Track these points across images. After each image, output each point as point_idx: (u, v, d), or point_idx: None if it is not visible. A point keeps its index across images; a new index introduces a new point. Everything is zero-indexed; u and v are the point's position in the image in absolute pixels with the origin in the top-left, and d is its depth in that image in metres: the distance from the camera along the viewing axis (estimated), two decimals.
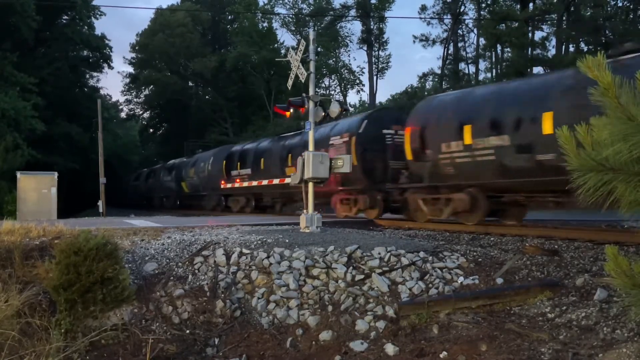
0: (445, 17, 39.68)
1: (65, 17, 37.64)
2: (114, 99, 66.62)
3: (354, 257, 6.64)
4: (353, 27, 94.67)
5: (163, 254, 6.91)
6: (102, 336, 5.10)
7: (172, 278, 6.22)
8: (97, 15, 39.27)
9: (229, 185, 20.78)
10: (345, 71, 46.26)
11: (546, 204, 10.05)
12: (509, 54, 33.52)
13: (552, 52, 31.61)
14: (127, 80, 54.92)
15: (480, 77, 38.67)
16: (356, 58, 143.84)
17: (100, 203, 23.95)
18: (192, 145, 41.27)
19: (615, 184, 2.35)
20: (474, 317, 5.34)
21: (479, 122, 9.69)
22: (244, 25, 44.33)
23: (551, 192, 9.22)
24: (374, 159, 13.08)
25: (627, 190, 2.34)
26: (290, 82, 9.89)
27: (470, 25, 40.01)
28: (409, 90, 40.83)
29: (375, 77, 42.27)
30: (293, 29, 44.45)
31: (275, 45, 44.65)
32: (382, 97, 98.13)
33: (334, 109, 9.59)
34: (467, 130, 9.82)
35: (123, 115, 61.86)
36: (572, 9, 30.15)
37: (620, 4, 31.70)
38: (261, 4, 45.38)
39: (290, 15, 44.02)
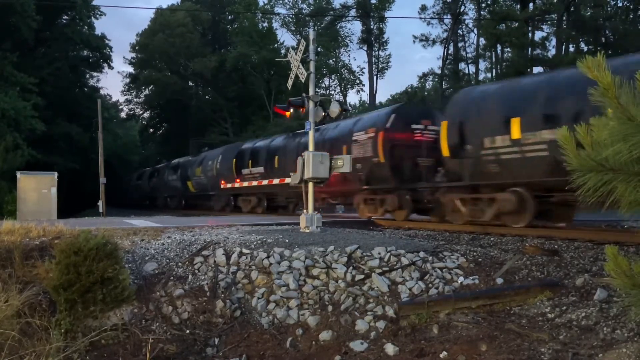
0: (445, 17, 39.75)
1: (65, 17, 37.66)
2: (114, 99, 66.79)
3: (354, 257, 6.64)
4: (353, 27, 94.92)
5: (163, 254, 6.91)
6: (102, 336, 5.10)
7: (172, 278, 6.22)
8: (97, 15, 39.35)
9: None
10: (345, 71, 46.36)
11: (601, 204, 9.16)
12: (509, 54, 33.54)
13: (552, 52, 31.66)
14: (127, 80, 54.97)
15: (480, 77, 38.73)
16: (356, 58, 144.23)
17: (100, 203, 23.94)
18: (197, 143, 40.90)
19: (615, 184, 2.35)
20: (474, 317, 5.34)
21: (530, 115, 8.77)
22: (244, 25, 44.36)
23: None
24: (403, 156, 12.22)
25: (627, 190, 2.34)
26: (290, 82, 9.89)
27: (470, 25, 40.08)
28: (409, 90, 40.90)
29: (375, 77, 42.38)
30: (293, 29, 44.55)
31: (275, 45, 44.69)
32: (382, 97, 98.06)
33: (334, 109, 9.58)
34: (515, 123, 8.91)
35: (123, 115, 61.94)
36: (572, 9, 30.16)
37: (620, 4, 31.75)
38: (261, 4, 45.51)
39: (290, 15, 44.11)
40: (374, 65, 42.35)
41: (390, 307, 5.65)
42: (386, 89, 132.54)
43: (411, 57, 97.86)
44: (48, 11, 31.96)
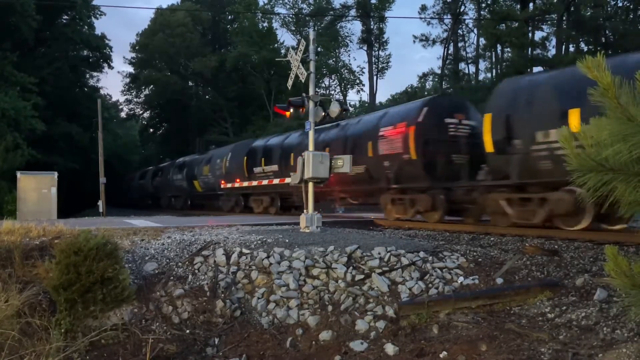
0: (445, 17, 39.78)
1: (65, 16, 37.70)
2: (114, 99, 66.82)
3: (354, 257, 6.64)
4: (353, 27, 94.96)
5: (163, 254, 6.92)
6: (102, 336, 5.11)
7: (172, 278, 6.22)
8: (97, 15, 39.43)
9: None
10: (345, 71, 46.36)
11: None
12: (509, 54, 33.56)
13: (552, 52, 31.68)
14: (127, 80, 55.03)
15: (480, 77, 38.77)
16: (356, 58, 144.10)
17: (100, 203, 23.94)
18: (204, 141, 40.43)
19: (615, 184, 2.35)
20: (474, 317, 5.34)
21: (592, 105, 8.11)
22: (244, 25, 44.38)
23: None
24: (436, 152, 11.25)
25: (627, 191, 2.34)
26: (290, 82, 9.89)
27: (470, 25, 40.12)
28: (409, 90, 40.92)
29: (375, 77, 42.43)
30: (293, 29, 44.56)
31: (275, 45, 44.69)
32: (382, 97, 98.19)
33: (334, 108, 9.59)
34: (574, 115, 7.95)
35: (123, 115, 61.97)
36: (572, 9, 30.17)
37: (620, 4, 31.76)
38: (261, 4, 45.53)
39: (290, 15, 44.12)
40: (374, 65, 42.41)
41: (390, 307, 5.65)
42: (386, 89, 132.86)
43: (411, 57, 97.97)
44: (48, 11, 31.99)
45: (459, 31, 40.53)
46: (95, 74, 47.17)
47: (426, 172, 11.20)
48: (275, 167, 17.63)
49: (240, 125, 43.49)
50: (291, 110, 9.74)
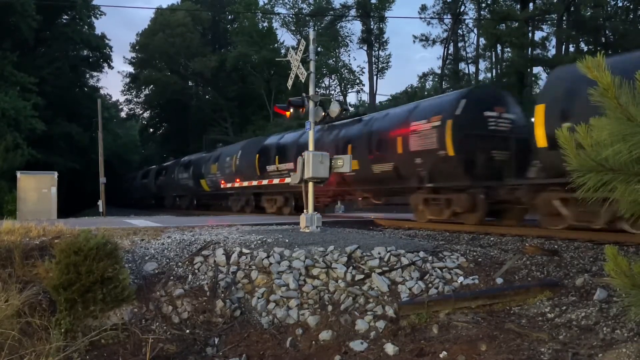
0: (445, 17, 39.79)
1: (66, 16, 37.73)
2: (114, 99, 66.91)
3: (354, 257, 6.64)
4: (353, 27, 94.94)
5: (163, 254, 6.92)
6: (102, 336, 5.11)
7: (172, 278, 6.22)
8: (97, 15, 39.49)
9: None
10: (345, 71, 46.37)
11: None
12: (509, 54, 33.54)
13: (552, 52, 31.67)
14: (127, 80, 55.09)
15: (480, 77, 38.74)
16: (356, 58, 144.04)
17: (100, 203, 23.94)
18: (210, 139, 39.94)
19: (615, 184, 2.35)
20: (474, 317, 5.34)
21: None
22: (244, 25, 44.42)
23: None
24: (476, 148, 10.39)
25: (627, 191, 2.34)
26: (290, 82, 9.90)
27: (470, 25, 40.11)
28: (409, 90, 40.96)
29: (375, 77, 42.42)
30: (293, 29, 44.58)
31: (275, 45, 44.74)
32: (382, 97, 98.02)
33: (334, 108, 9.60)
34: None
35: (123, 115, 62.05)
36: (572, 9, 30.15)
37: (620, 4, 31.76)
38: (261, 3, 45.55)
39: (290, 15, 44.12)
40: (374, 65, 42.39)
41: (390, 307, 5.65)
42: (386, 89, 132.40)
43: (411, 57, 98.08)
44: (48, 11, 32.00)
45: (459, 31, 40.57)
46: (95, 73, 47.36)
47: (465, 169, 10.40)
48: (290, 165, 16.52)
49: (241, 125, 43.52)
50: (291, 110, 9.76)
